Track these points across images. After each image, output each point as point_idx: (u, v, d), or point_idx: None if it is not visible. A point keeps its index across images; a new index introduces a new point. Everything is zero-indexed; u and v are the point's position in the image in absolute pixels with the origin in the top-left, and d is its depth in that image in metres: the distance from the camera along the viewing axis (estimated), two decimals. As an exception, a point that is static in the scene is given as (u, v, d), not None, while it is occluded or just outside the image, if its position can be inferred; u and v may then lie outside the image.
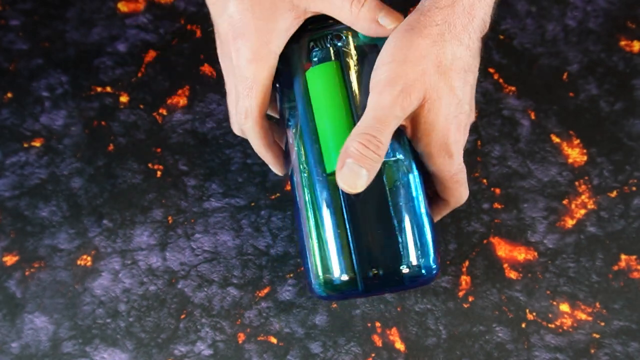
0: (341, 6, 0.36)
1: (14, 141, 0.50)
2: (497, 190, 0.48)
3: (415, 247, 0.34)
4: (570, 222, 0.47)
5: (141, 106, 0.51)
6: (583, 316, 0.45)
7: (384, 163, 0.35)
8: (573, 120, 0.49)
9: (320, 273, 0.35)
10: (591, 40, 0.52)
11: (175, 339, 0.45)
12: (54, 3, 0.54)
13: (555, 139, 0.49)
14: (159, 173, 0.49)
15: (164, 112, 0.51)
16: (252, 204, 0.48)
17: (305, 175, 0.36)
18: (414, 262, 0.34)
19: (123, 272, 0.47)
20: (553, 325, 0.44)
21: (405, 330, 0.45)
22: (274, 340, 0.45)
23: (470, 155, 0.48)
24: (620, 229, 0.47)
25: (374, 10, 0.36)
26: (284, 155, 0.40)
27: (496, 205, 0.48)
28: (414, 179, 0.36)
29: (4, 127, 0.51)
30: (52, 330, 0.45)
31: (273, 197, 0.48)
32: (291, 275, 0.46)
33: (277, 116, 0.43)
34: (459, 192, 0.39)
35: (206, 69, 0.52)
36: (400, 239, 0.34)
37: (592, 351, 0.44)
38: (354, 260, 0.34)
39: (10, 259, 0.47)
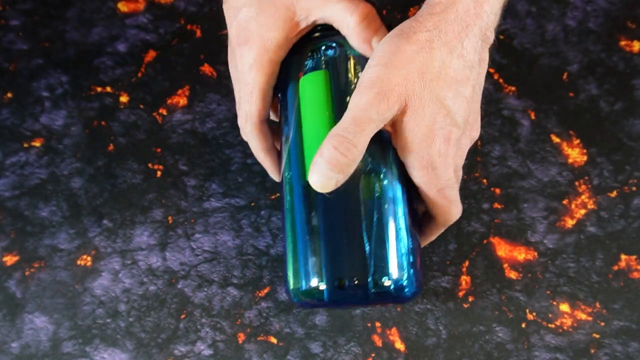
0: (341, 18, 0.36)
1: (14, 141, 0.50)
2: (497, 190, 0.48)
3: (385, 263, 0.33)
4: (570, 222, 0.47)
5: (141, 106, 0.51)
6: (583, 316, 0.45)
7: (363, 174, 0.34)
8: (573, 120, 0.49)
9: (290, 279, 0.35)
10: (591, 40, 0.52)
11: (175, 339, 0.45)
12: (54, 3, 0.54)
13: (555, 139, 0.49)
14: (159, 173, 0.49)
15: (164, 112, 0.51)
16: (252, 204, 0.48)
17: (288, 181, 0.36)
18: (381, 277, 0.33)
19: (123, 272, 0.47)
20: (553, 325, 0.44)
21: (405, 330, 0.45)
22: (274, 340, 0.45)
23: (470, 155, 0.48)
24: (620, 229, 0.47)
25: (370, 31, 0.35)
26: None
27: (496, 205, 0.48)
28: (394, 192, 0.35)
29: (4, 127, 0.51)
30: (52, 330, 0.45)
31: (273, 197, 0.48)
32: (291, 275, 0.46)
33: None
34: (447, 209, 0.37)
35: (206, 69, 0.52)
36: (368, 253, 0.33)
37: (592, 351, 0.44)
38: (323, 270, 0.33)
39: (10, 259, 0.47)
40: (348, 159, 0.32)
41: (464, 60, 0.34)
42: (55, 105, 0.51)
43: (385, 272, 0.33)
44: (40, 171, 0.50)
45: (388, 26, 0.36)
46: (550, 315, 0.45)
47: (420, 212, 0.39)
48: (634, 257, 0.46)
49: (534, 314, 0.45)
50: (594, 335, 0.44)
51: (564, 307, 0.45)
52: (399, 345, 0.44)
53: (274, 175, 0.43)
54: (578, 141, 0.49)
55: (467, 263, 0.46)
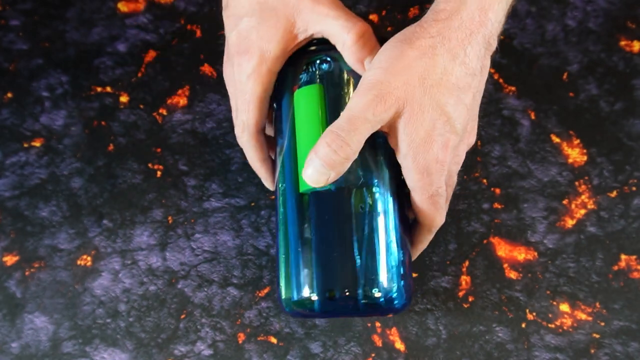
0: (338, 34, 0.36)
1: (14, 141, 0.50)
2: (497, 190, 0.48)
3: (375, 275, 0.34)
4: (570, 222, 0.47)
5: (141, 106, 0.51)
6: (583, 316, 0.45)
7: (355, 186, 0.35)
8: (573, 120, 0.49)
9: (282, 289, 0.36)
10: (591, 40, 0.52)
11: (175, 339, 0.45)
12: (54, 3, 0.54)
13: (555, 139, 0.49)
14: (159, 173, 0.49)
15: (164, 112, 0.51)
16: (252, 204, 0.48)
17: (282, 193, 0.37)
18: (372, 289, 0.34)
19: (123, 272, 0.47)
20: (553, 325, 0.44)
21: (405, 330, 0.45)
22: (274, 340, 0.45)
23: (470, 155, 0.48)
24: (620, 229, 0.47)
25: (365, 51, 0.36)
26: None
27: (496, 205, 0.48)
28: (386, 205, 0.35)
29: (4, 127, 0.51)
30: (52, 330, 0.45)
31: (273, 197, 0.48)
32: (291, 275, 0.46)
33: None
34: (433, 216, 0.37)
35: (206, 69, 0.52)
36: (359, 265, 0.34)
37: (592, 351, 0.44)
38: (314, 281, 0.34)
39: (10, 259, 0.47)
40: (340, 157, 0.33)
41: (467, 67, 0.34)
42: (55, 105, 0.51)
43: (375, 284, 0.34)
44: (40, 171, 0.50)
45: (383, 39, 0.36)
46: (550, 315, 0.45)
47: (410, 219, 0.39)
48: (634, 257, 0.46)
49: (534, 314, 0.45)
50: (594, 335, 0.44)
51: (564, 307, 0.45)
52: (399, 345, 0.44)
53: (269, 185, 0.43)
54: (578, 141, 0.49)
55: (467, 263, 0.46)
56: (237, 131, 0.40)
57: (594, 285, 0.45)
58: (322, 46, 0.38)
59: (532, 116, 0.50)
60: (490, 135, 0.49)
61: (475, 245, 0.47)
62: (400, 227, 0.36)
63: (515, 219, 0.47)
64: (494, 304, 0.45)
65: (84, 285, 0.47)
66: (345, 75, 0.37)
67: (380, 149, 0.36)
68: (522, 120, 0.50)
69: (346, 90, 0.36)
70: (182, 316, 0.46)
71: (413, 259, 0.40)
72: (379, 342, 0.45)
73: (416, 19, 0.37)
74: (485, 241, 0.47)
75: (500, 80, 0.51)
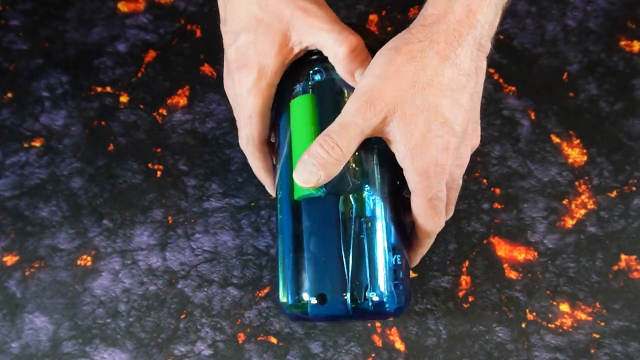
0: (330, 47, 0.37)
1: (14, 141, 0.50)
2: (497, 190, 0.48)
3: (364, 279, 0.35)
4: (570, 222, 0.47)
5: (141, 106, 0.51)
6: (583, 316, 0.45)
7: (344, 193, 0.36)
8: (573, 120, 0.49)
9: (280, 292, 0.37)
10: (591, 40, 0.52)
11: (175, 339, 0.45)
12: (54, 3, 0.54)
13: (555, 139, 0.49)
14: (159, 173, 0.49)
15: (164, 112, 0.51)
16: (252, 204, 0.48)
17: (279, 200, 0.38)
18: (359, 293, 0.34)
19: (123, 272, 0.47)
20: (553, 325, 0.44)
21: (405, 330, 0.45)
22: (274, 340, 0.45)
23: (471, 155, 0.48)
24: (620, 229, 0.47)
25: (357, 64, 0.36)
26: None
27: (496, 205, 0.48)
28: (377, 211, 0.36)
29: (4, 127, 0.51)
30: (52, 330, 0.45)
31: (273, 197, 0.48)
32: (291, 275, 0.46)
33: None
34: (432, 220, 0.37)
35: (206, 69, 0.52)
36: (348, 269, 0.35)
37: (592, 351, 0.44)
38: (306, 284, 0.35)
39: (10, 259, 0.47)
40: (331, 157, 0.34)
41: (458, 68, 0.35)
42: (55, 105, 0.51)
43: (363, 288, 0.35)
44: (40, 171, 0.50)
45: (382, 43, 0.37)
46: (550, 315, 0.45)
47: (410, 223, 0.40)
48: (634, 257, 0.46)
49: (534, 314, 0.45)
50: (594, 335, 0.44)
51: (564, 307, 0.45)
52: (399, 345, 0.44)
53: (273, 193, 0.44)
54: (578, 141, 0.49)
55: (467, 263, 0.46)
56: (242, 143, 0.41)
57: (594, 285, 0.45)
58: (316, 57, 0.39)
59: (532, 116, 0.50)
60: (490, 135, 0.49)
61: (475, 245, 0.47)
62: (393, 232, 0.37)
63: (515, 219, 0.47)
64: (494, 304, 0.45)
65: (84, 285, 0.46)
66: (338, 86, 0.38)
67: (374, 155, 0.37)
68: (522, 120, 0.50)
69: (338, 100, 0.37)
70: (182, 316, 0.46)
71: (414, 263, 0.41)
72: (379, 342, 0.45)
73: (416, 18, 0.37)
74: (485, 241, 0.47)
75: (500, 80, 0.51)
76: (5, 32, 0.54)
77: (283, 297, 0.37)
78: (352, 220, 0.35)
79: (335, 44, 0.37)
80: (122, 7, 0.54)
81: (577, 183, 0.48)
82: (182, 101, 0.51)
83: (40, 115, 0.51)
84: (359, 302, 0.34)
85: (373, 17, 0.53)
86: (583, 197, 0.48)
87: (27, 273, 0.47)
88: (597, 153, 0.49)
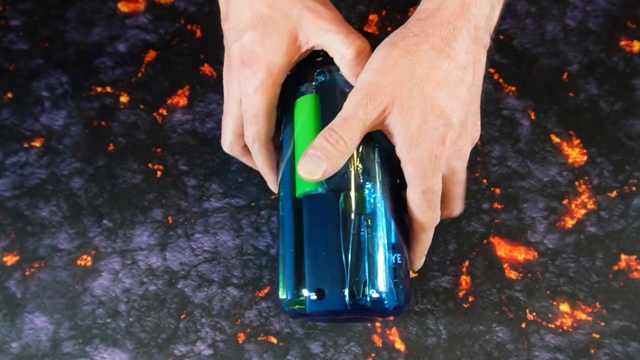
0: (337, 49, 0.37)
1: (14, 141, 0.50)
2: (497, 190, 0.48)
3: (362, 276, 0.35)
4: (570, 222, 0.47)
5: (141, 106, 0.51)
6: (583, 316, 0.45)
7: (344, 190, 0.36)
8: (573, 120, 0.49)
9: (280, 289, 0.37)
10: (591, 40, 0.52)
11: (175, 339, 0.45)
12: (54, 3, 0.54)
13: (555, 139, 0.49)
14: (159, 173, 0.49)
15: (164, 112, 0.51)
16: (252, 204, 0.48)
17: (281, 198, 0.39)
18: (358, 290, 0.35)
19: (123, 272, 0.47)
20: (553, 325, 0.44)
21: (405, 330, 0.45)
22: (274, 340, 0.45)
23: (470, 155, 0.48)
24: (620, 229, 0.47)
25: (362, 67, 0.37)
26: None
27: (496, 205, 0.48)
28: (377, 208, 0.36)
29: (4, 127, 0.51)
30: (52, 330, 0.45)
31: (273, 197, 0.48)
32: (291, 275, 0.46)
33: None
34: (425, 213, 0.37)
35: (206, 69, 0.52)
36: (347, 266, 0.35)
37: (592, 351, 0.44)
38: (304, 281, 0.35)
39: (10, 259, 0.47)
40: (336, 149, 0.34)
41: (454, 61, 0.35)
42: (55, 105, 0.51)
43: (362, 285, 0.35)
44: (40, 171, 0.50)
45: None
46: (550, 315, 0.45)
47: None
48: (634, 257, 0.46)
49: (534, 314, 0.45)
50: (594, 335, 0.44)
51: (564, 307, 0.45)
52: (399, 345, 0.44)
53: (276, 190, 0.44)
54: (578, 141, 0.49)
55: (467, 263, 0.46)
56: (248, 141, 0.41)
57: (594, 285, 0.45)
58: (321, 58, 0.39)
59: (532, 116, 0.50)
60: (490, 135, 0.49)
61: (475, 245, 0.47)
62: (394, 231, 0.37)
63: (515, 219, 0.47)
64: (494, 304, 0.45)
65: (84, 285, 0.47)
66: (341, 87, 0.38)
67: (375, 153, 0.37)
68: (522, 120, 0.50)
69: (342, 101, 0.37)
70: (182, 316, 0.46)
71: (416, 261, 0.41)
72: (379, 342, 0.45)
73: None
74: (485, 241, 0.47)
75: (500, 80, 0.51)
76: (5, 32, 0.54)
77: (282, 294, 0.37)
78: (353, 217, 0.36)
79: (342, 47, 0.37)
80: (122, 7, 0.54)
81: (577, 183, 0.48)
82: (182, 101, 0.51)
83: (40, 115, 0.51)
84: (357, 298, 0.34)
85: (373, 17, 0.53)
86: (583, 197, 0.48)
87: (27, 273, 0.47)
88: (597, 153, 0.49)
